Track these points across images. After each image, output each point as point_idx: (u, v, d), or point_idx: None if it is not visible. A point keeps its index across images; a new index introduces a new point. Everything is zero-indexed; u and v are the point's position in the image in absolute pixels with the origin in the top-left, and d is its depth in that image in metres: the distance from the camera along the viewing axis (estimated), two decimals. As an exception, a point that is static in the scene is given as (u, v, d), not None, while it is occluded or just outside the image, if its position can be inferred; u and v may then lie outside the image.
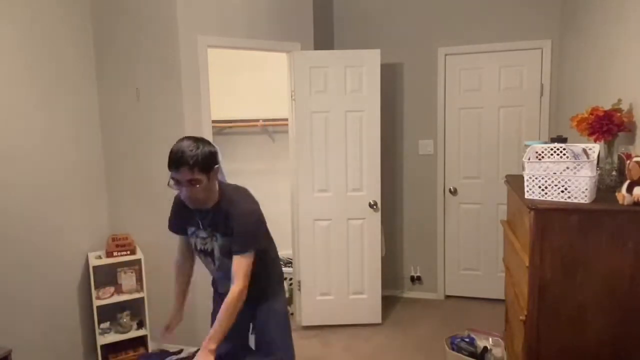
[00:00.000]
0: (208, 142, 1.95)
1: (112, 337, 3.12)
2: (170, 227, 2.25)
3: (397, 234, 4.31)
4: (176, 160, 1.85)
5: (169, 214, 3.57)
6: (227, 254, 2.03)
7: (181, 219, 2.14)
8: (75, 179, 3.10)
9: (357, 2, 4.19)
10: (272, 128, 4.38)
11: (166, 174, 3.40)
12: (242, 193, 2.10)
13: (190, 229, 2.14)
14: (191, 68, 3.15)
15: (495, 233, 4.05)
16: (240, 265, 1.96)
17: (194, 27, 3.14)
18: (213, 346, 1.90)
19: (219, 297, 2.21)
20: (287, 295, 3.98)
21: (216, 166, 1.95)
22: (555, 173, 1.93)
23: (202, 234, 2.10)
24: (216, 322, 1.93)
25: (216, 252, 2.10)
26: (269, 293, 2.26)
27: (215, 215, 2.03)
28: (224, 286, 2.08)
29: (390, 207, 4.24)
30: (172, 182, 1.91)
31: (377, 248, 3.73)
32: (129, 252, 3.14)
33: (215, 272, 2.21)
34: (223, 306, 1.93)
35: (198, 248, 2.15)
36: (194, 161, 1.84)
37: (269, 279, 2.26)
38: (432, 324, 3.77)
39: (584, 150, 1.94)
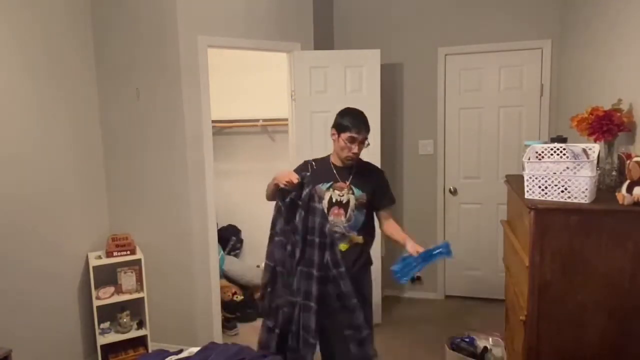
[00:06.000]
0: None
1: (112, 337, 3.12)
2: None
3: (397, 234, 4.30)
4: (362, 122, 2.35)
5: (169, 214, 3.58)
6: (361, 206, 2.37)
7: (315, 176, 2.33)
8: (76, 179, 3.09)
9: (357, 2, 4.19)
10: (272, 128, 4.37)
11: (165, 173, 3.38)
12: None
13: (326, 185, 2.39)
14: (191, 68, 3.15)
15: (495, 233, 4.04)
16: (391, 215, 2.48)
17: (194, 27, 3.14)
18: None
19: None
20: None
21: None
22: (555, 173, 1.93)
23: (341, 185, 2.39)
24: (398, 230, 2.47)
25: (351, 203, 2.37)
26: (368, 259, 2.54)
27: (359, 171, 2.42)
28: (341, 241, 2.34)
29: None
30: (344, 137, 2.32)
31: (377, 248, 3.72)
32: (129, 252, 3.14)
33: (345, 224, 2.37)
34: (396, 226, 2.47)
35: (333, 200, 2.38)
36: (368, 125, 2.36)
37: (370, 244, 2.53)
38: (432, 324, 3.77)
39: (584, 150, 1.94)
